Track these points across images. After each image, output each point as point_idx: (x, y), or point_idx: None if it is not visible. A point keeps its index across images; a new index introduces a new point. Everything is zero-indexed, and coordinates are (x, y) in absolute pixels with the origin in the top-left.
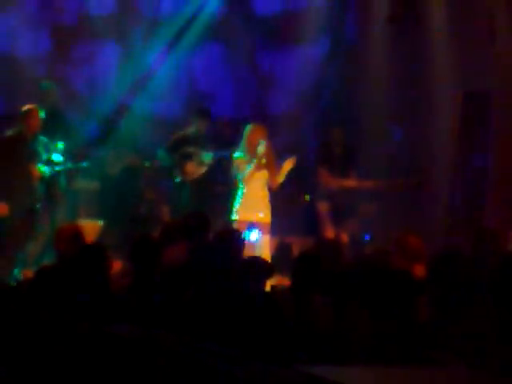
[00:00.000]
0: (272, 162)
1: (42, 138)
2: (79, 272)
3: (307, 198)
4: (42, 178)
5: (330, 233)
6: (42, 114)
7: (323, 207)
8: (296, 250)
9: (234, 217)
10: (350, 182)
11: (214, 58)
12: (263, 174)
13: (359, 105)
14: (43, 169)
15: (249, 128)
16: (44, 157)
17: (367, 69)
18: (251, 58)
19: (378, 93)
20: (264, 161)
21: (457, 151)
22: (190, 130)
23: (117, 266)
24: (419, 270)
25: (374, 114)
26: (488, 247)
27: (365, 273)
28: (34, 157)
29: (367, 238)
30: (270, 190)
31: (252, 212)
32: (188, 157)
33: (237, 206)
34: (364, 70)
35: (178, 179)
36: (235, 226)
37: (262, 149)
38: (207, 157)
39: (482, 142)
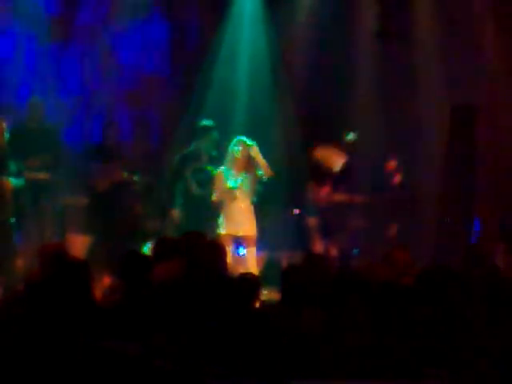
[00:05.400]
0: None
1: (11, 151)
2: (62, 288)
3: (296, 212)
4: (16, 192)
5: (318, 247)
6: (4, 126)
7: (312, 222)
8: (285, 265)
9: (219, 231)
10: (339, 197)
11: None
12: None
13: (346, 119)
14: (15, 182)
15: (234, 143)
16: (13, 170)
17: (355, 83)
18: None
19: (365, 107)
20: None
21: (444, 165)
22: (191, 148)
23: (106, 281)
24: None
25: (361, 129)
26: (476, 262)
27: (353, 286)
28: (2, 170)
29: (356, 252)
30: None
31: (237, 226)
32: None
33: (221, 220)
34: (351, 85)
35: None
36: (220, 240)
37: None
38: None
39: (470, 156)
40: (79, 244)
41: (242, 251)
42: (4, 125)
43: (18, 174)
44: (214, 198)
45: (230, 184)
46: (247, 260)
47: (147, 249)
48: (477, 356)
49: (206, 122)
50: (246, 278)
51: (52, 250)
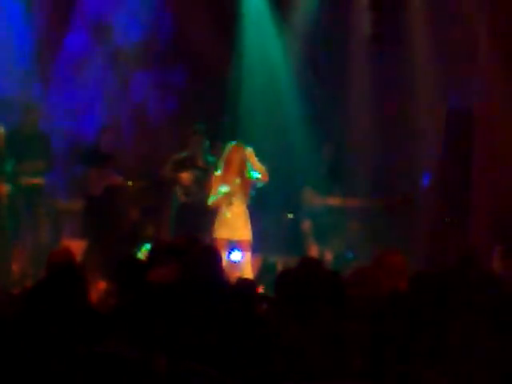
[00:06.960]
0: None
1: (7, 156)
2: (58, 293)
3: (290, 216)
4: (10, 196)
5: (314, 251)
6: (2, 132)
7: (307, 225)
8: (280, 269)
9: (215, 235)
10: (334, 200)
11: None
12: (239, 191)
13: (342, 122)
14: (10, 187)
15: (229, 147)
16: (9, 174)
17: (350, 87)
18: None
19: (360, 110)
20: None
21: (440, 168)
22: (186, 152)
23: (101, 285)
24: (401, 288)
25: (357, 132)
26: (472, 265)
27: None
28: None
29: (351, 255)
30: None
31: (232, 230)
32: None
33: (215, 224)
34: (347, 89)
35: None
36: (215, 244)
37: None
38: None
39: (466, 159)
40: (74, 248)
41: (237, 255)
42: (2, 130)
43: (12, 179)
44: (210, 202)
45: (225, 189)
46: (242, 264)
47: (142, 253)
48: (474, 359)
49: (201, 126)
50: (242, 282)
51: (61, 257)
